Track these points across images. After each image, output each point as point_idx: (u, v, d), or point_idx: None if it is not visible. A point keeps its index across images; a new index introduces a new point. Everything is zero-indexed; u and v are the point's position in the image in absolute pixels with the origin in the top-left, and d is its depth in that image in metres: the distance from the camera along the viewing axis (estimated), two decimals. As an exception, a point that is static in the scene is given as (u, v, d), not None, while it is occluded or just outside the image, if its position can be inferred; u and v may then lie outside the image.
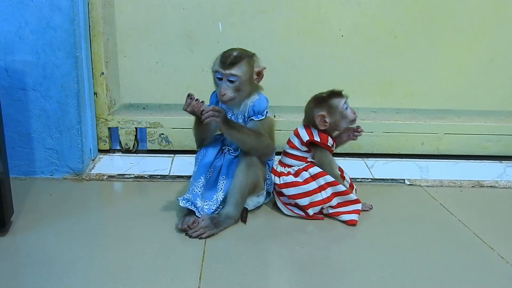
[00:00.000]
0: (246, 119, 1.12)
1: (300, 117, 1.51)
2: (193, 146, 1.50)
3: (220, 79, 1.07)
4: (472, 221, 1.14)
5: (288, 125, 1.50)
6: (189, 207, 1.07)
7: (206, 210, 1.08)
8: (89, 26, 1.39)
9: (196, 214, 1.06)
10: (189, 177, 1.33)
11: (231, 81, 1.07)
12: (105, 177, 1.32)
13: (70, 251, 0.95)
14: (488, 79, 1.51)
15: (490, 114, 1.55)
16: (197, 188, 1.09)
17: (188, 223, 1.04)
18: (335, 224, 1.11)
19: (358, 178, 1.38)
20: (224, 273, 0.89)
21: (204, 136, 1.14)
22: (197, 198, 1.08)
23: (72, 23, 1.24)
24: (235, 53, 1.06)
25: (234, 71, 1.05)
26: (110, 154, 1.50)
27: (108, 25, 1.42)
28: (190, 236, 1.02)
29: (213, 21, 1.41)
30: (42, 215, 1.09)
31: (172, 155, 1.49)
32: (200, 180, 1.10)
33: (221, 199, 1.10)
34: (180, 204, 1.07)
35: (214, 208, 1.09)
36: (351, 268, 0.92)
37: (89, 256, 0.93)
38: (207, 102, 1.12)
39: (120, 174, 1.34)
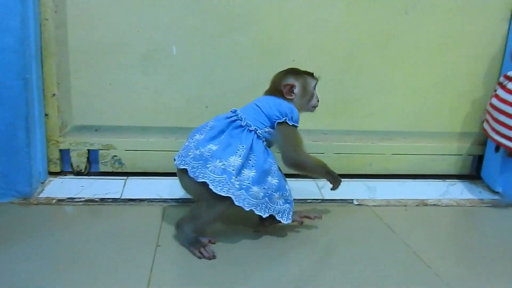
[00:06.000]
0: None
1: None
2: (147, 168, 1.51)
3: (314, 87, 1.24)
4: (413, 240, 1.19)
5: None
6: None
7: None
8: (41, 47, 1.37)
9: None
10: (141, 200, 1.34)
11: None
12: (54, 201, 1.30)
13: (15, 278, 0.93)
14: (432, 102, 1.59)
15: (434, 135, 1.63)
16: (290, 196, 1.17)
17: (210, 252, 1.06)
18: (271, 242, 1.14)
19: (308, 199, 1.42)
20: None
21: None
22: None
23: (22, 44, 1.23)
24: None
25: None
26: (61, 176, 1.47)
27: (60, 46, 1.41)
28: None
29: (169, 44, 1.43)
30: (-16, 242, 1.06)
31: (125, 177, 1.49)
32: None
33: None
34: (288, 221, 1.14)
35: None
36: (295, 290, 0.95)
37: (35, 282, 0.91)
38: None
39: (70, 198, 1.32)
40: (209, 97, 1.48)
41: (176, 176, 1.49)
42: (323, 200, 1.43)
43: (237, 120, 1.13)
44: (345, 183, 1.54)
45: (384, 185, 1.57)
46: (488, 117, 1.46)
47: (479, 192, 1.56)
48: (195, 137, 1.11)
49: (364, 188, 1.53)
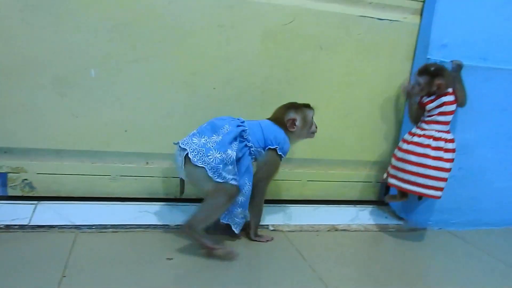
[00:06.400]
0: None
1: (173, 163, 1.56)
2: (60, 192, 1.47)
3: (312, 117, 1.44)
4: (320, 264, 1.26)
5: (161, 172, 1.54)
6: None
7: None
8: None
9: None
10: (51, 226, 1.30)
11: None
12: (-48, 228, 1.22)
13: None
14: (342, 132, 1.69)
15: (346, 163, 1.73)
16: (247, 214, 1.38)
17: None
18: (179, 267, 1.16)
19: (225, 224, 1.45)
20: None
21: None
22: None
23: None
24: None
25: None
26: (-37, 201, 1.39)
27: (-31, 64, 1.34)
28: None
29: (86, 67, 1.41)
30: None
31: (36, 202, 1.42)
32: None
33: None
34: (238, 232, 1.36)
35: None
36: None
37: None
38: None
39: (-30, 225, 1.25)
40: (128, 121, 1.48)
41: (90, 201, 1.48)
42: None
43: (243, 131, 1.30)
44: (264, 208, 1.61)
45: (299, 210, 1.63)
46: (392, 170, 1.55)
47: (386, 217, 1.68)
48: (212, 138, 1.25)
49: (280, 214, 1.59)
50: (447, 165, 1.46)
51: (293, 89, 1.59)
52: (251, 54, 1.53)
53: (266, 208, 1.59)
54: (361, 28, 1.58)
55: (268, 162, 1.35)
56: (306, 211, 1.64)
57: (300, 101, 1.60)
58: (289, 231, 1.47)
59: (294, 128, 1.39)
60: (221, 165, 1.21)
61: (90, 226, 1.32)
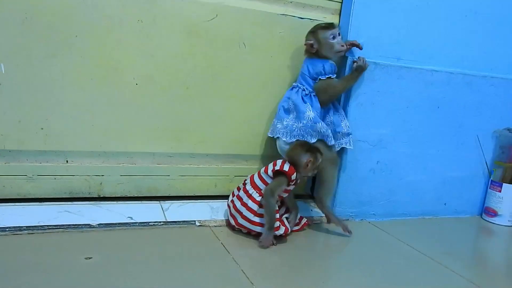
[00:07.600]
0: None
1: (95, 161, 1.52)
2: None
3: (334, 38, 1.50)
4: (243, 258, 1.27)
5: (82, 170, 1.49)
6: None
7: None
8: None
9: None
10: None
11: (340, 34, 1.53)
12: None
13: None
14: (266, 129, 1.71)
15: (268, 158, 1.75)
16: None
17: None
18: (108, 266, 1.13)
19: (150, 222, 1.42)
20: None
21: None
22: None
23: None
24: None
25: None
26: None
27: None
28: None
29: (-5, 61, 1.33)
30: None
31: None
32: None
33: None
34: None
35: None
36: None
37: None
38: None
39: None
40: (44, 118, 1.41)
41: (4, 203, 1.40)
42: (166, 223, 1.45)
43: (303, 90, 1.53)
44: (190, 205, 1.61)
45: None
46: None
47: (311, 210, 1.74)
48: (289, 116, 1.52)
49: (207, 209, 1.59)
50: None
51: (218, 85, 1.60)
52: (174, 49, 1.52)
53: (193, 204, 1.61)
54: (283, 27, 1.62)
55: (321, 90, 1.51)
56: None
57: (228, 97, 1.63)
58: (215, 226, 1.48)
59: (313, 50, 1.51)
60: (308, 126, 1.48)
61: (3, 229, 1.25)
